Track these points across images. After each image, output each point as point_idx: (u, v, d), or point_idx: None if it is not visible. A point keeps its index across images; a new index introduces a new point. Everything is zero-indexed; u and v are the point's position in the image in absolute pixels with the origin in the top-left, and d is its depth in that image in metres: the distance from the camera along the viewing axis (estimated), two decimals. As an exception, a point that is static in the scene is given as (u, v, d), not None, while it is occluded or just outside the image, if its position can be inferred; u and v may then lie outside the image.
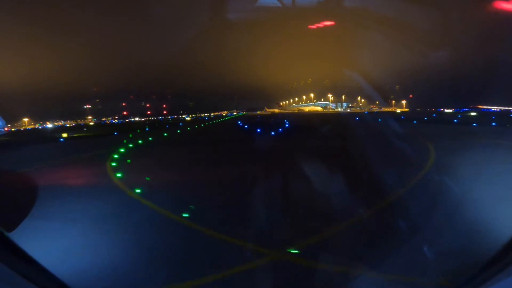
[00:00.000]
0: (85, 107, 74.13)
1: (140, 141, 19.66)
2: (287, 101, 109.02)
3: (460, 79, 63.99)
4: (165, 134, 25.42)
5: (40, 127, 59.69)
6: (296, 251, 4.02)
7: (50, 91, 72.44)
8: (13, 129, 56.09)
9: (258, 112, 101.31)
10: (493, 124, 24.15)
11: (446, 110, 59.95)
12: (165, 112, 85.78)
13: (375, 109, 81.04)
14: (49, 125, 63.48)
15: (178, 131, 29.59)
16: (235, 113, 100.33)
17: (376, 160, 10.08)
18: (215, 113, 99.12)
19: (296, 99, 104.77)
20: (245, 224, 5.19)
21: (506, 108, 59.79)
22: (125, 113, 79.47)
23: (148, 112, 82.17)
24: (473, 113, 44.37)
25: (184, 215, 5.63)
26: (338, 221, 5.02)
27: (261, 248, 4.16)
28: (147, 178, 8.93)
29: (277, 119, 43.71)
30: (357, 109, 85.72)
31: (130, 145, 17.43)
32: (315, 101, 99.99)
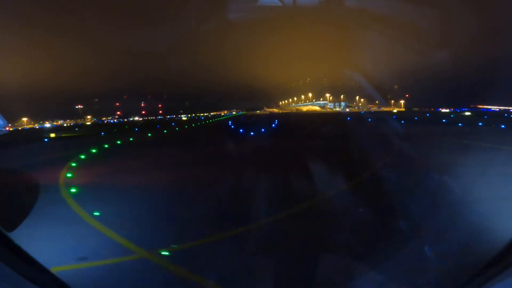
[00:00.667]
0: (76, 107, 74.39)
1: (118, 142, 19.82)
2: (286, 101, 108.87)
3: (460, 79, 63.23)
4: (149, 134, 25.59)
5: (37, 127, 60.42)
6: (167, 253, 4.05)
7: (49, 90, 73.39)
8: (10, 129, 56.85)
9: (258, 111, 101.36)
10: (480, 124, 23.87)
11: (443, 110, 59.20)
12: (160, 112, 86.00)
13: (374, 108, 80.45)
14: (47, 124, 64.27)
15: (165, 131, 29.74)
16: (234, 113, 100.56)
17: (328, 159, 10.10)
18: (215, 113, 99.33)
19: (295, 98, 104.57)
20: (144, 225, 5.27)
21: (506, 108, 59.17)
22: (119, 113, 79.94)
23: (143, 112, 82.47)
24: (467, 113, 43.80)
25: (95, 213, 5.71)
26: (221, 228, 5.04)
27: (137, 247, 4.22)
28: (94, 179, 9.06)
29: (267, 119, 43.63)
30: (356, 109, 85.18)
31: (106, 146, 17.60)
32: (314, 100, 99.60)
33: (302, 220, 5.19)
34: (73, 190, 7.52)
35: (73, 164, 11.48)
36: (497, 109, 59.72)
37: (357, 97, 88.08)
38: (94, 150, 15.56)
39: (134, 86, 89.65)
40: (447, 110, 57.69)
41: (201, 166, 10.70)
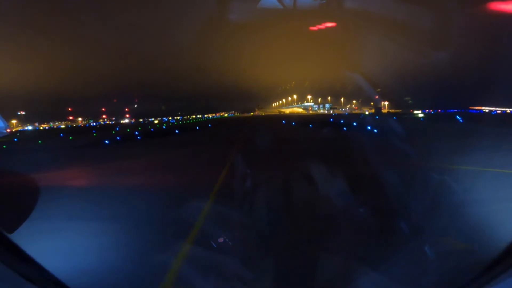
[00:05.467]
0: (18, 113, 74.01)
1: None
2: (276, 103, 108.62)
3: (447, 81, 60.53)
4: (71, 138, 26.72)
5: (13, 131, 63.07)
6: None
7: (36, 93, 76.65)
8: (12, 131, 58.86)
9: (252, 113, 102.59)
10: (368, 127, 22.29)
11: (416, 112, 56.36)
12: (127, 115, 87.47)
13: (357, 111, 78.86)
14: (29, 127, 67.74)
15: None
16: (226, 115, 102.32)
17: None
18: (207, 115, 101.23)
19: (284, 101, 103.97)
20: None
21: (497, 108, 56.17)
22: (71, 117, 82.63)
23: (104, 116, 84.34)
24: (420, 115, 41.53)
25: None
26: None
27: None
28: None
29: (207, 122, 43.13)
30: (340, 111, 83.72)
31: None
32: (305, 102, 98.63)
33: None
34: None
35: None
36: (487, 110, 57.07)
37: (342, 99, 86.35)
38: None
39: (136, 89, 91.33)
40: (419, 112, 54.81)
41: None
